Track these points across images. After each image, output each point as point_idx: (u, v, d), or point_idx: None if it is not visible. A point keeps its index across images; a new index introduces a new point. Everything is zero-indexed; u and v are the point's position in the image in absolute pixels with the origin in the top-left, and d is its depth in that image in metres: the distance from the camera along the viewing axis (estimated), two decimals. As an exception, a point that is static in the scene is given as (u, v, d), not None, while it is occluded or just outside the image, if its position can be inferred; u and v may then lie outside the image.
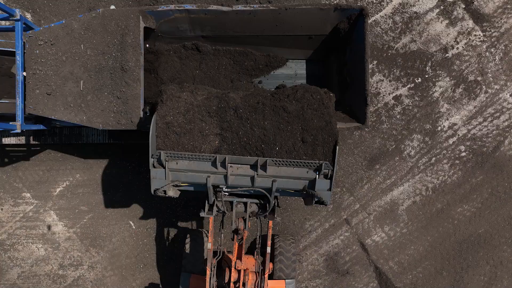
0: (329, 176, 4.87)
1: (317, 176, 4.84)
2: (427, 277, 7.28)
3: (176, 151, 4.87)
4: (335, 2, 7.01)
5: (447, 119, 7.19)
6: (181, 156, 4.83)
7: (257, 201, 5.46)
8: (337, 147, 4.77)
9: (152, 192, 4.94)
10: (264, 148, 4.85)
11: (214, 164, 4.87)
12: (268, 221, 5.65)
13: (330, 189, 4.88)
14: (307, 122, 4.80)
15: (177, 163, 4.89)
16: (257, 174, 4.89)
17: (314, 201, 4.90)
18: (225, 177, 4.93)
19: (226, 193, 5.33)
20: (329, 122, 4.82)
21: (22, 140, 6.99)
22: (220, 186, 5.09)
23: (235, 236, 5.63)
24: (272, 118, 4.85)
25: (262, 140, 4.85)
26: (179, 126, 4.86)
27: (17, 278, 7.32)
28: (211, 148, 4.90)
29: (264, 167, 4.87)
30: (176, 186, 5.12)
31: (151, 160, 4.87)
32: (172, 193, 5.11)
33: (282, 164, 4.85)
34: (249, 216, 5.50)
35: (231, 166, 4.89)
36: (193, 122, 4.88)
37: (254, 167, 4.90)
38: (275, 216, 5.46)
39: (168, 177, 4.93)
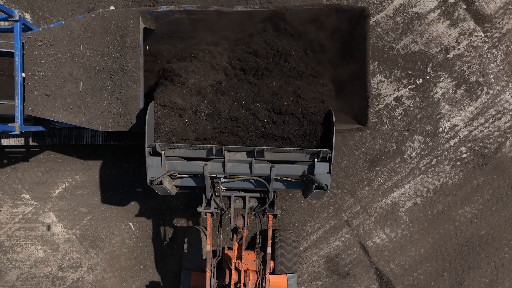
0: (327, 158, 4.87)
1: (315, 159, 4.84)
2: (428, 279, 7.25)
3: (175, 125, 4.97)
4: (336, 2, 6.99)
5: (448, 120, 7.16)
6: (176, 147, 4.85)
7: (256, 194, 5.42)
8: (334, 127, 4.77)
9: (148, 182, 4.89)
10: (258, 107, 5.02)
11: (210, 151, 4.86)
12: (268, 220, 5.61)
13: (329, 172, 4.85)
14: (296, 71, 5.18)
15: (173, 151, 4.92)
16: (255, 159, 4.88)
17: (314, 187, 4.83)
18: (223, 163, 4.89)
19: (224, 188, 5.28)
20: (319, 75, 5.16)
21: (21, 141, 6.96)
22: (218, 177, 5.04)
23: (234, 235, 5.58)
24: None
25: (255, 94, 5.04)
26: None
27: (16, 280, 7.28)
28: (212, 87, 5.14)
29: (261, 153, 4.87)
30: (173, 178, 5.08)
31: (147, 149, 4.86)
32: (169, 186, 5.05)
33: (279, 151, 4.86)
34: (248, 212, 5.44)
35: (228, 151, 4.89)
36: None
37: (251, 154, 4.89)
38: (275, 209, 5.43)
39: (164, 166, 4.90)
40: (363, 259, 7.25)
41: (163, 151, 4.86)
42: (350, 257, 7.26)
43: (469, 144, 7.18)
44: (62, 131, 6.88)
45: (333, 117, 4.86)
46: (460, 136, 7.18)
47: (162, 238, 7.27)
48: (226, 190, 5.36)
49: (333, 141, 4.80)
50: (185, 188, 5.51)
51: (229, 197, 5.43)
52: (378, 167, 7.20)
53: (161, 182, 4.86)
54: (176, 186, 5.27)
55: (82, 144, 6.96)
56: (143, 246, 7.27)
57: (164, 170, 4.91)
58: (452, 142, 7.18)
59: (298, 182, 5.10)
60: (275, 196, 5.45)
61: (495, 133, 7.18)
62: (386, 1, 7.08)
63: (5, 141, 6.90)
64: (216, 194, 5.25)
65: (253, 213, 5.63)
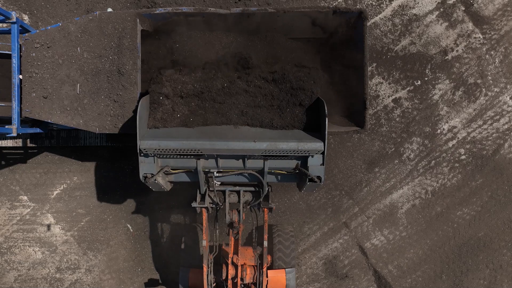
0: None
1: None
2: (426, 280, 7.24)
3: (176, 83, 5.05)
4: (334, 5, 6.98)
5: (447, 122, 7.15)
6: (167, 149, 4.74)
7: (250, 188, 5.38)
8: (326, 119, 4.66)
9: (142, 178, 4.87)
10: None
11: (201, 156, 4.81)
12: (264, 214, 5.59)
13: (323, 164, 4.78)
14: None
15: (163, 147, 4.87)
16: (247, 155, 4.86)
17: (307, 180, 4.78)
18: (216, 158, 4.88)
19: (218, 183, 5.25)
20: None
21: (19, 142, 6.95)
22: (211, 171, 5.01)
23: (230, 230, 5.57)
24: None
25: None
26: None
27: (14, 282, 7.28)
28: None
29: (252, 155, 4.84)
30: (167, 173, 5.05)
31: (139, 145, 4.77)
32: (163, 182, 5.02)
33: (271, 154, 4.75)
34: (243, 207, 5.42)
35: (220, 158, 4.86)
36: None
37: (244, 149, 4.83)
38: (270, 202, 5.41)
39: (157, 161, 4.87)
40: (361, 261, 7.24)
41: (155, 155, 4.83)
42: (348, 259, 7.25)
43: (468, 146, 7.17)
44: (60, 132, 6.87)
45: (325, 107, 4.77)
46: (458, 138, 7.17)
47: (160, 239, 7.27)
48: (220, 184, 5.32)
49: (325, 132, 4.70)
50: (180, 185, 5.50)
51: (224, 192, 5.40)
52: (376, 168, 7.19)
53: (155, 180, 4.84)
54: (170, 182, 5.27)
55: (80, 146, 6.95)
56: (141, 248, 7.26)
57: (157, 166, 4.89)
58: (450, 144, 7.17)
59: (292, 175, 5.07)
60: (270, 190, 5.43)
61: (494, 135, 7.17)
62: (384, 3, 7.07)
63: (3, 143, 6.90)
64: (210, 189, 5.22)
65: (248, 207, 5.60)
